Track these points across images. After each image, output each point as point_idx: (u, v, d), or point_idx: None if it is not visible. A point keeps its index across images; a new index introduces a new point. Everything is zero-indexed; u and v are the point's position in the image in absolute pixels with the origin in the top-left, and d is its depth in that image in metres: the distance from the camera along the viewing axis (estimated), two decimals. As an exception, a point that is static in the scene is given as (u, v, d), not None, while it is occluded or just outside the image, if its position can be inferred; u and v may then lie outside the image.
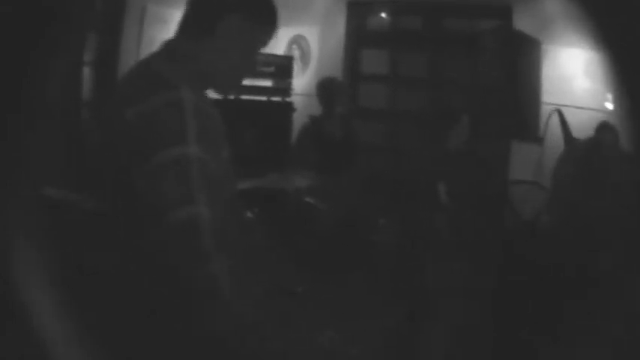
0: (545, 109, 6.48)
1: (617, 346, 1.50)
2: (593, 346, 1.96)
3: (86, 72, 5.61)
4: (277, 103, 7.24)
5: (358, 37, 7.86)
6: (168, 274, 1.61)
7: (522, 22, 6.51)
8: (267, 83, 7.22)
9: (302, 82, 7.77)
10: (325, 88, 5.56)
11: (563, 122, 5.31)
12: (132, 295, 1.68)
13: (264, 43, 1.98)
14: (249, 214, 3.83)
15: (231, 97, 6.79)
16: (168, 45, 1.89)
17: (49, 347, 1.49)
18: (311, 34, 7.99)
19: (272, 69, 7.23)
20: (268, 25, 1.99)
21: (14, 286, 1.47)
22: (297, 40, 8.07)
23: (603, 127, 5.36)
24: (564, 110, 6.35)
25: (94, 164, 1.87)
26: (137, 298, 1.67)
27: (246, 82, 6.83)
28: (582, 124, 5.99)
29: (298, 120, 6.77)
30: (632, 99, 1.59)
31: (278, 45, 8.08)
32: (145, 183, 1.62)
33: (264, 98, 7.15)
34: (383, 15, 7.78)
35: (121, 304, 1.67)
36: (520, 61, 6.43)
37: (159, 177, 1.61)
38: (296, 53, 8.04)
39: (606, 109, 6.26)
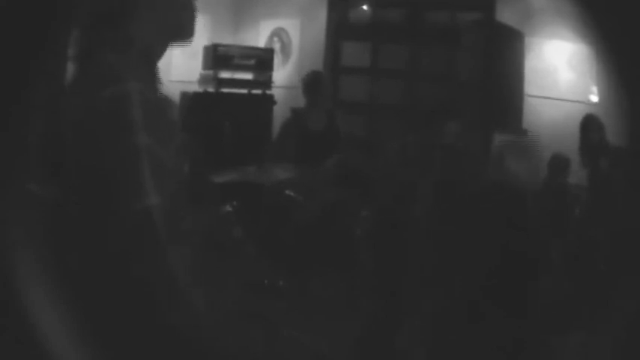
0: (529, 102, 6.49)
1: (616, 344, 1.48)
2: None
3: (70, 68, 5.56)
4: (258, 95, 7.19)
5: (339, 30, 7.82)
6: (126, 264, 1.60)
7: (506, 15, 6.51)
8: (247, 76, 7.18)
9: (283, 74, 7.73)
10: (311, 82, 5.52)
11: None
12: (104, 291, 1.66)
13: (187, 5, 1.91)
14: (228, 208, 3.79)
15: (212, 90, 6.76)
16: (108, 37, 1.85)
17: (49, 347, 1.45)
18: (292, 26, 7.94)
19: (253, 62, 7.20)
20: None
21: (14, 286, 1.43)
22: (278, 33, 8.03)
23: (588, 119, 5.35)
24: (548, 102, 6.36)
25: (53, 156, 1.86)
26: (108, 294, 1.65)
27: (227, 75, 6.89)
28: (566, 117, 6.00)
29: (279, 113, 6.74)
30: (626, 91, 1.56)
31: (259, 37, 8.04)
32: (96, 174, 1.62)
33: (244, 91, 7.11)
34: (364, 7, 7.75)
35: (103, 301, 1.65)
36: (502, 53, 6.43)
37: (109, 168, 1.61)
38: (277, 46, 8.00)
39: (590, 101, 6.28)
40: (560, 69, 6.52)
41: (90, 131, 1.63)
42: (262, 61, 7.31)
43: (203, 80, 6.88)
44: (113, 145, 1.60)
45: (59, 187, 1.89)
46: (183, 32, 1.96)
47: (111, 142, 1.60)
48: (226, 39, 7.63)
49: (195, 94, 6.62)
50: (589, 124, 5.32)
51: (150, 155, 1.62)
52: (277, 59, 7.71)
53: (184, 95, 6.57)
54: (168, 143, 1.72)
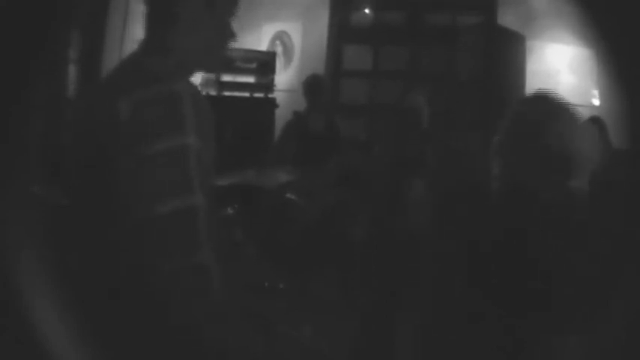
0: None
1: (616, 344, 1.48)
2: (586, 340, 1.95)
3: (71, 69, 5.59)
4: (260, 99, 7.19)
5: (341, 33, 7.82)
6: (154, 265, 1.60)
7: (507, 18, 6.52)
8: (249, 79, 7.17)
9: (285, 78, 7.73)
10: (312, 85, 5.53)
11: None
12: (116, 290, 1.66)
13: (232, 11, 1.98)
14: (229, 210, 3.80)
15: (214, 93, 6.76)
16: (148, 40, 1.89)
17: (49, 347, 1.45)
18: (294, 29, 7.95)
19: (254, 65, 7.20)
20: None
21: (14, 286, 1.43)
22: (280, 36, 8.03)
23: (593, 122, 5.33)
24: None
25: (72, 156, 1.86)
26: (120, 292, 1.65)
27: (229, 78, 6.88)
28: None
29: (281, 116, 6.74)
30: (627, 93, 1.56)
31: (261, 41, 8.04)
32: (141, 172, 1.62)
33: (246, 94, 7.10)
34: (366, 10, 7.75)
35: (112, 301, 1.65)
36: (503, 56, 6.43)
37: (158, 166, 1.61)
38: (279, 49, 8.00)
39: (591, 104, 6.28)
40: (561, 72, 6.53)
41: (135, 128, 1.64)
42: (264, 64, 7.31)
43: (205, 83, 6.87)
44: (164, 142, 1.61)
45: (62, 187, 1.90)
46: (210, 64, 2.02)
47: (161, 138, 1.61)
48: (228, 42, 7.62)
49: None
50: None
51: (197, 154, 1.64)
52: (279, 62, 7.71)
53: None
54: (209, 144, 1.74)
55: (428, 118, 4.69)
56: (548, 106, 2.30)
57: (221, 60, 2.06)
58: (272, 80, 7.30)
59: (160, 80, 1.70)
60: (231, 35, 1.99)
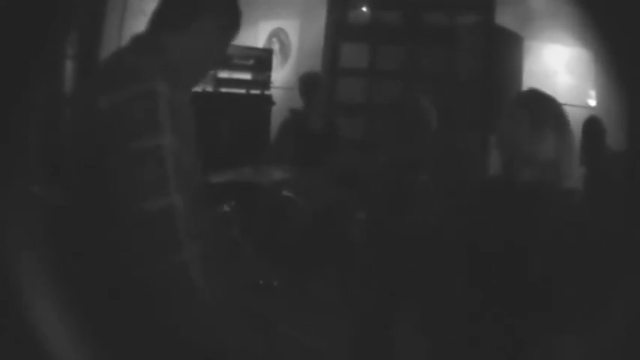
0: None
1: (616, 344, 1.48)
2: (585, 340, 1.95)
3: (68, 65, 5.57)
4: (256, 96, 7.18)
5: (338, 31, 7.80)
6: (138, 264, 1.62)
7: (506, 18, 6.51)
8: (246, 76, 7.16)
9: (281, 75, 7.72)
10: (307, 83, 5.51)
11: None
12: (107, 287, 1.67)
13: (226, 43, 2.06)
14: (225, 208, 3.79)
15: (210, 89, 6.75)
16: (141, 38, 1.91)
17: (49, 347, 1.45)
18: (291, 27, 7.94)
19: (251, 62, 7.18)
20: (234, 25, 2.05)
21: (14, 286, 1.43)
22: (277, 34, 8.02)
23: (591, 122, 5.32)
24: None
25: (64, 154, 1.86)
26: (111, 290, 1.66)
27: (225, 74, 6.87)
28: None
29: (277, 113, 6.73)
30: (626, 92, 1.56)
31: (258, 38, 8.03)
32: (119, 172, 1.63)
33: (243, 91, 7.09)
34: (363, 9, 7.74)
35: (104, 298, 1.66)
36: (501, 56, 6.43)
37: (134, 166, 1.62)
38: (276, 46, 7.99)
39: (588, 105, 6.29)
40: (558, 73, 6.53)
41: (114, 127, 1.65)
42: (261, 61, 7.29)
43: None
44: (139, 142, 1.62)
45: (61, 187, 1.90)
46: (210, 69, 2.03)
47: (137, 139, 1.62)
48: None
49: (194, 94, 6.59)
50: (592, 126, 5.30)
51: (174, 155, 1.64)
52: (276, 60, 7.69)
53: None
54: (189, 145, 1.75)
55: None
56: (542, 104, 2.30)
57: (198, 80, 2.09)
58: (269, 77, 7.29)
59: (140, 79, 1.71)
60: (221, 59, 2.05)
